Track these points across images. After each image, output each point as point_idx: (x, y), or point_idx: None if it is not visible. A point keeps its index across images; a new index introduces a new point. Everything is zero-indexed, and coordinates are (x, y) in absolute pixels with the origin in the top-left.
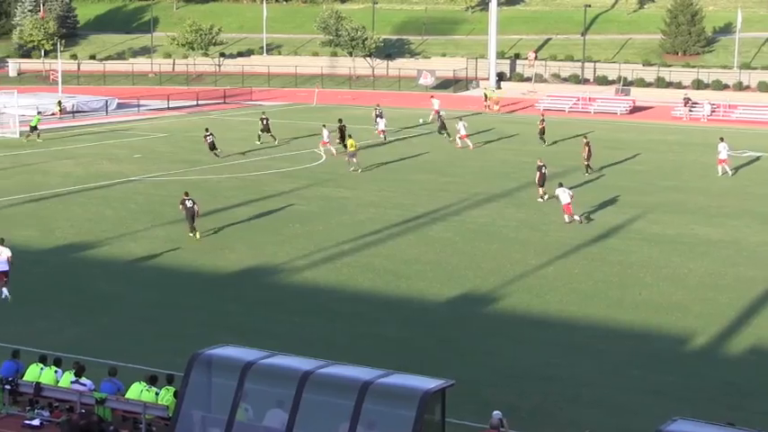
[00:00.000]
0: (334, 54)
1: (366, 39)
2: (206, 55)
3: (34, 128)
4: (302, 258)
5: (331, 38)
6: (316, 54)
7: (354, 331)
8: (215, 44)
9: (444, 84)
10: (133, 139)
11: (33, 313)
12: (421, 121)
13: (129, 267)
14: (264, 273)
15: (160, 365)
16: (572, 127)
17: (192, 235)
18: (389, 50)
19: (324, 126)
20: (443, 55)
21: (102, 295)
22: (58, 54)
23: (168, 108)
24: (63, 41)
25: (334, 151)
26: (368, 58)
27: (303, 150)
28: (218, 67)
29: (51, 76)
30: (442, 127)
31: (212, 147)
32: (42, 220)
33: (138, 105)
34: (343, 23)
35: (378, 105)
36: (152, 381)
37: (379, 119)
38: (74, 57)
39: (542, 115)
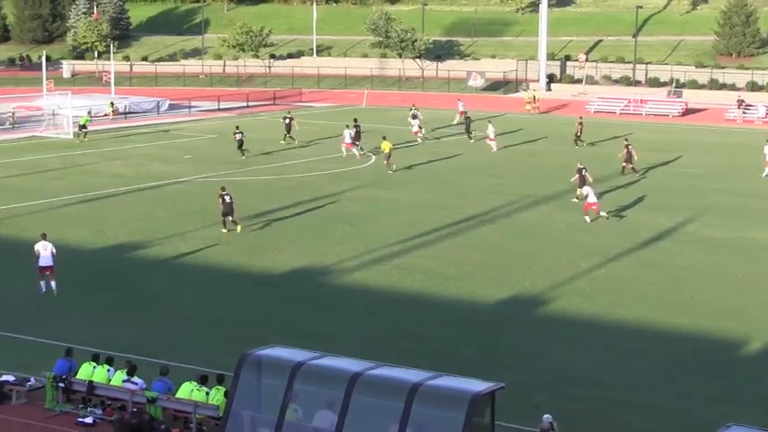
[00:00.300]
0: (384, 55)
1: (416, 40)
2: (256, 56)
3: (83, 127)
4: (351, 259)
5: (380, 39)
6: (365, 55)
7: (403, 333)
8: (265, 46)
9: (494, 85)
10: (184, 140)
11: (86, 312)
12: (455, 122)
13: (180, 267)
14: (314, 274)
15: (210, 365)
16: (622, 129)
17: (224, 231)
18: (439, 52)
19: (347, 126)
20: (493, 56)
21: (153, 295)
22: (111, 56)
23: (219, 109)
24: (116, 43)
25: (358, 154)
26: (417, 60)
27: (350, 152)
28: (268, 69)
29: (104, 78)
30: (468, 129)
31: (240, 145)
32: (94, 220)
33: (189, 106)
34: (393, 25)
35: (414, 106)
36: (203, 380)
37: (413, 119)
38: (126, 58)
39: (580, 117)
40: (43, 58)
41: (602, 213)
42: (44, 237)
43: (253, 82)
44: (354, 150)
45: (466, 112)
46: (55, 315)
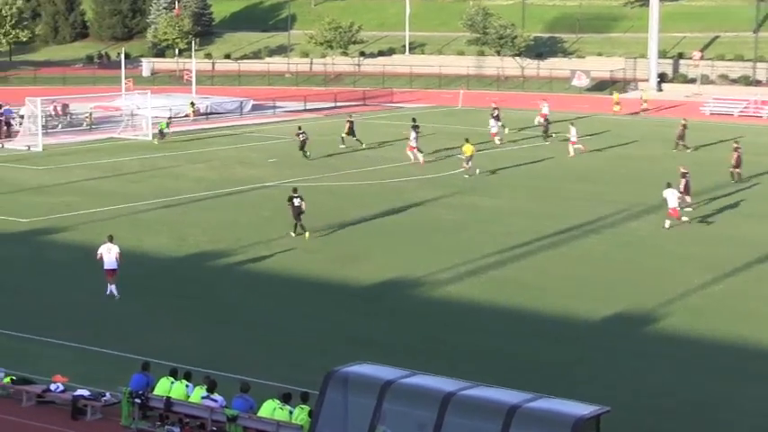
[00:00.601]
0: (481, 53)
1: (515, 37)
2: (345, 54)
3: (161, 131)
4: (445, 271)
5: (478, 36)
6: (461, 53)
7: (498, 350)
8: (354, 42)
9: (600, 85)
10: (268, 142)
11: (164, 324)
12: (536, 122)
13: (263, 277)
14: (404, 285)
15: (294, 382)
16: (739, 133)
17: (293, 234)
18: (540, 49)
19: (413, 127)
20: (599, 54)
21: (235, 306)
22: (193, 53)
23: (305, 110)
24: (197, 40)
25: (422, 159)
26: (517, 58)
27: (446, 156)
28: (357, 67)
29: (185, 76)
30: (546, 131)
31: (302, 146)
32: (174, 226)
33: (274, 107)
34: (491, 20)
35: (495, 105)
36: (286, 398)
37: (493, 120)
38: (208, 56)
39: (684, 119)
40: (122, 56)
41: (684, 219)
42: (110, 239)
43: (341, 81)
44: (418, 156)
45: (547, 115)
46: (132, 327)
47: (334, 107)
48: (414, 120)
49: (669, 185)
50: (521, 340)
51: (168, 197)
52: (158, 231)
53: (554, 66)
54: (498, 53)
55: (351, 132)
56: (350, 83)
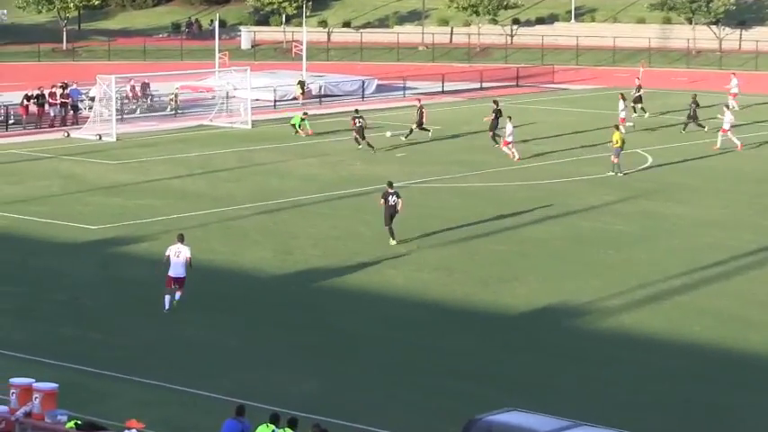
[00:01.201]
0: (667, 21)
1: (711, 0)
2: (494, 22)
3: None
4: (617, 296)
5: (663, 0)
6: (641, 21)
7: (685, 396)
8: (506, 8)
9: None
10: (396, 132)
11: (264, 357)
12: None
13: (387, 302)
14: (564, 314)
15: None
16: None
17: (393, 242)
18: (744, 16)
19: (509, 118)
20: None
21: (351, 336)
22: (303, 20)
23: (442, 92)
24: (310, 4)
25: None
26: (713, 27)
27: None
28: (509, 39)
29: (294, 49)
30: (694, 116)
31: (360, 134)
32: (278, 236)
33: (404, 88)
34: None
35: (638, 82)
36: (274, 420)
37: (623, 102)
38: (323, 24)
39: None
40: (216, 24)
41: None
42: (181, 239)
43: (489, 56)
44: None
45: (695, 96)
46: (225, 361)
47: (480, 89)
48: (495, 103)
49: None
50: (714, 385)
51: (270, 200)
52: (258, 242)
53: (761, 37)
54: (689, 21)
55: (420, 123)
56: (500, 58)
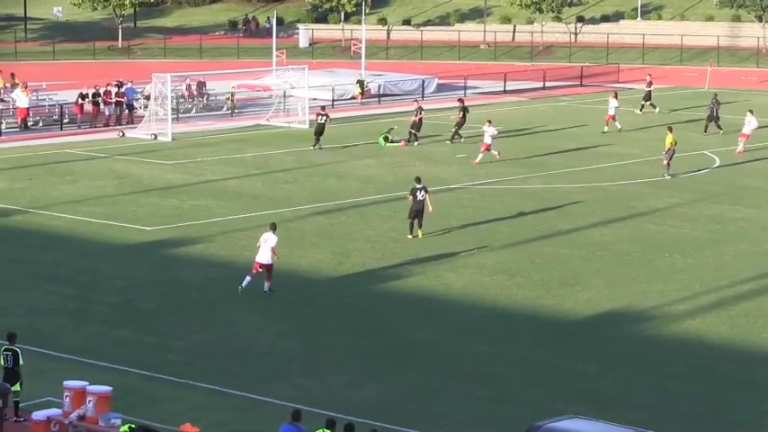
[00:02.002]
0: (737, 18)
1: None
2: (558, 19)
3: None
4: (682, 302)
5: None
6: (710, 19)
7: (754, 408)
8: (571, 5)
9: None
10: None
11: (320, 362)
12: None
13: (445, 306)
14: (628, 319)
15: None
16: None
17: (410, 236)
18: None
19: (488, 122)
20: None
21: (410, 341)
22: (363, 18)
23: (504, 91)
24: (369, 2)
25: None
26: None
27: (686, 152)
28: (573, 37)
29: (353, 48)
30: (715, 116)
31: (319, 132)
32: (335, 238)
33: (465, 87)
34: None
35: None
36: (330, 426)
37: (614, 100)
38: (382, 21)
39: None
40: (273, 22)
41: None
42: (273, 228)
43: (553, 55)
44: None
45: (716, 95)
46: (281, 366)
47: (543, 88)
48: (461, 101)
49: None
50: None
51: (328, 201)
52: (315, 245)
53: None
54: (759, 18)
55: (417, 126)
56: (564, 57)
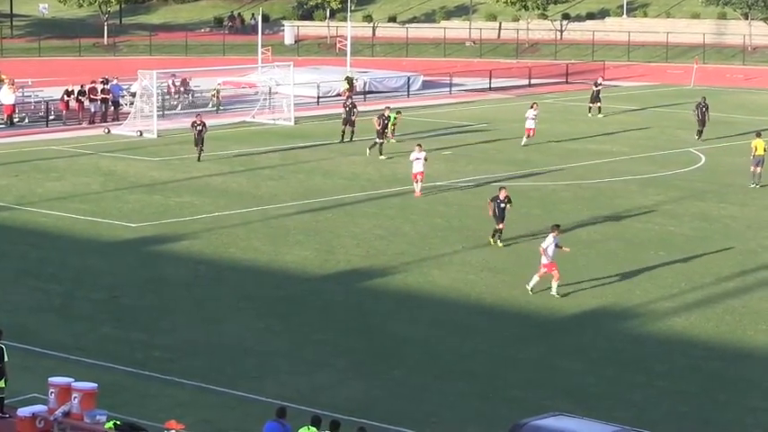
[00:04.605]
0: (723, 16)
1: None
2: (543, 17)
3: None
4: (668, 299)
5: None
6: (696, 16)
7: (739, 406)
8: (556, 2)
9: None
10: (442, 130)
11: (306, 359)
12: None
13: (431, 303)
14: (614, 317)
15: None
16: None
17: (492, 242)
18: None
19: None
20: None
21: (396, 339)
22: (348, 15)
23: (490, 89)
24: None
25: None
26: None
27: (672, 150)
28: (559, 34)
29: (338, 45)
30: (704, 122)
31: (199, 140)
32: (321, 235)
33: (451, 84)
34: None
35: (601, 80)
36: (315, 423)
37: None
38: (368, 18)
39: None
40: (259, 19)
41: None
42: (557, 228)
43: (538, 52)
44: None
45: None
46: (267, 363)
47: (528, 85)
48: (387, 110)
49: None
50: (766, 397)
51: (313, 198)
52: (300, 242)
53: None
54: (746, 16)
55: (349, 121)
56: (549, 54)
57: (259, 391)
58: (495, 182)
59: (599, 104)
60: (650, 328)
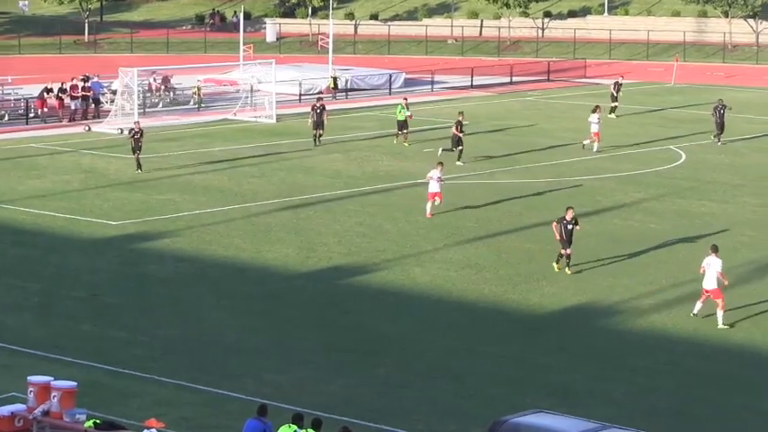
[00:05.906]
0: (703, 14)
1: None
2: (525, 14)
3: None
4: (649, 296)
5: None
6: (676, 14)
7: (719, 402)
8: (538, 0)
9: None
10: (423, 127)
11: (287, 357)
12: None
13: (412, 301)
14: (595, 314)
15: None
16: None
17: (557, 266)
18: None
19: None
20: None
21: (378, 336)
22: (330, 12)
23: (471, 86)
24: None
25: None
26: (750, 21)
27: (652, 147)
28: (540, 32)
29: (320, 43)
30: (722, 126)
31: (136, 148)
32: (302, 233)
33: (432, 82)
34: None
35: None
36: (296, 420)
37: (595, 116)
38: (350, 16)
39: None
40: (240, 16)
41: None
42: (715, 251)
43: (520, 50)
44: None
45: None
46: (248, 361)
47: (510, 83)
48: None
49: None
50: (748, 391)
51: (295, 196)
52: (282, 240)
53: None
54: (726, 14)
55: (319, 123)
56: (531, 52)
57: (240, 389)
58: (477, 179)
59: (616, 104)
60: (631, 324)
